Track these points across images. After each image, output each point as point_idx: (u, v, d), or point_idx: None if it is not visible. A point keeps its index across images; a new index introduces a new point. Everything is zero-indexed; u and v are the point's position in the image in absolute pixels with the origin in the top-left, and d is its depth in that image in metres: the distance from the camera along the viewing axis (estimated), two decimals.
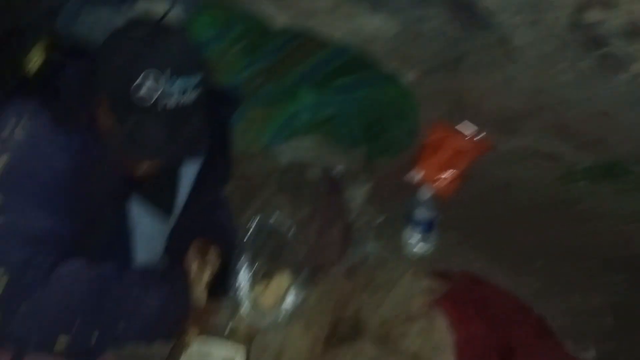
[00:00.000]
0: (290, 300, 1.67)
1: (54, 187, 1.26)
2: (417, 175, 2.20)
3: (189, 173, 1.68)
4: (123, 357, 1.65)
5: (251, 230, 1.72)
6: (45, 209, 1.25)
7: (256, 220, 1.72)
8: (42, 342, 1.25)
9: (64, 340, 1.25)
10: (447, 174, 2.18)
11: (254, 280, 1.70)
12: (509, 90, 2.19)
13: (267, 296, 1.72)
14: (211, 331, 1.69)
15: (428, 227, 1.90)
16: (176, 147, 1.36)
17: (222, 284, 1.67)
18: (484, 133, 2.27)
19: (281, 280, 1.74)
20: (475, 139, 2.27)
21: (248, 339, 1.66)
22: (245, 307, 1.67)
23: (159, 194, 1.63)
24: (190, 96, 1.29)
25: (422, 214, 1.86)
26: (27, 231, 1.23)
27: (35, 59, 1.38)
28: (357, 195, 2.03)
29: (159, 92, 1.24)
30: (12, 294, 1.19)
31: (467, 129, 2.28)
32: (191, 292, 1.46)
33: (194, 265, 1.55)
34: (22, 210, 1.23)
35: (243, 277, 1.67)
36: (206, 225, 1.73)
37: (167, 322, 1.40)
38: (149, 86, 1.24)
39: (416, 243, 1.96)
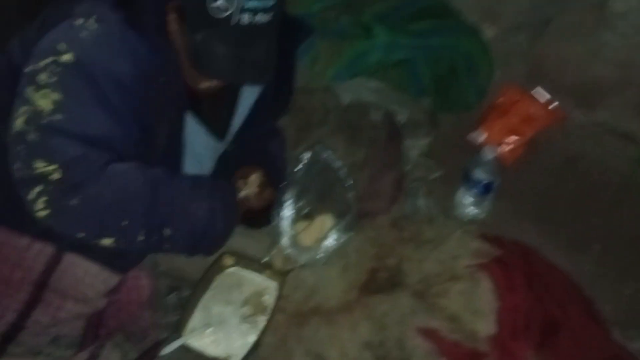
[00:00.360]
0: (330, 242, 1.63)
1: (116, 90, 1.25)
2: (480, 135, 2.11)
3: (248, 98, 1.66)
4: (157, 274, 1.67)
5: (302, 166, 1.67)
6: (104, 110, 1.24)
7: (308, 157, 1.67)
8: (87, 238, 1.27)
9: (109, 240, 1.27)
10: (512, 140, 2.09)
11: (297, 217, 1.67)
12: (596, 61, 2.08)
13: (307, 235, 1.69)
14: (247, 260, 1.68)
15: (484, 191, 1.82)
16: (242, 69, 1.35)
17: (265, 214, 1.65)
18: (559, 103, 2.17)
19: (323, 221, 1.70)
20: (548, 107, 2.16)
21: (283, 274, 1.65)
22: (284, 242, 1.64)
23: (216, 114, 1.62)
24: (264, 17, 1.26)
25: (480, 175, 1.78)
26: (84, 130, 1.22)
27: None
28: (416, 146, 1.96)
29: (234, 7, 1.22)
30: (63, 189, 1.20)
31: (541, 96, 2.18)
32: (238, 209, 1.45)
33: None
34: (81, 109, 1.23)
35: (287, 211, 1.63)
36: (257, 153, 1.72)
37: (210, 235, 1.40)
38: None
39: (469, 205, 1.89)
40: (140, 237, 1.29)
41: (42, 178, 1.18)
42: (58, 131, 1.19)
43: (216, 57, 1.31)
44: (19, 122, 1.20)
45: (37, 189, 1.18)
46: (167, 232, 1.32)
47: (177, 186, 1.34)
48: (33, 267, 1.35)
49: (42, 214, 1.20)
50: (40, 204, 1.19)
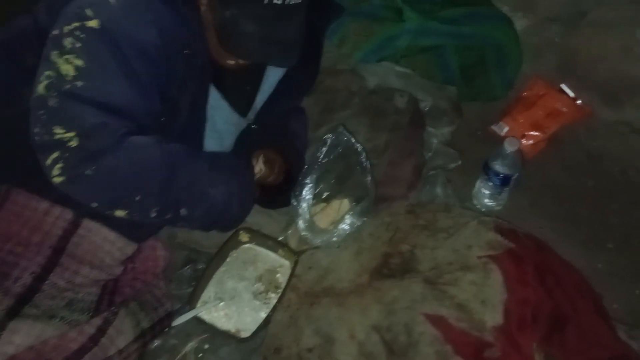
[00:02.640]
0: (346, 225, 1.64)
1: (140, 59, 1.25)
2: (503, 127, 2.10)
3: (273, 76, 1.67)
4: (173, 246, 1.69)
5: (323, 147, 1.67)
6: (127, 79, 1.24)
7: (330, 139, 1.67)
8: (100, 208, 1.28)
9: (122, 212, 1.28)
10: (535, 134, 2.07)
11: (315, 199, 1.68)
12: (628, 58, 2.05)
13: (323, 217, 1.71)
14: (263, 238, 1.70)
15: (502, 183, 1.81)
16: (269, 50, 1.36)
17: (284, 194, 1.66)
18: (586, 99, 2.14)
19: (340, 204, 1.71)
20: (574, 103, 2.14)
21: (297, 253, 1.66)
22: (300, 223, 1.65)
23: (240, 90, 1.63)
24: None
25: (500, 168, 1.76)
26: (105, 99, 1.23)
27: None
28: (438, 134, 1.95)
29: None
30: (80, 157, 1.21)
31: (569, 91, 2.15)
32: (255, 189, 1.47)
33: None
34: (104, 77, 1.23)
35: (306, 193, 1.64)
36: (279, 133, 1.72)
37: (227, 216, 1.42)
38: None
39: (486, 196, 1.88)
40: (153, 214, 1.30)
41: (60, 144, 1.19)
42: (79, 98, 1.20)
43: (244, 37, 1.31)
44: (41, 87, 1.20)
45: (54, 155, 1.19)
46: (184, 211, 1.33)
47: (196, 168, 1.35)
48: (51, 231, 1.36)
49: (58, 180, 1.21)
50: (56, 170, 1.20)
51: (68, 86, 1.19)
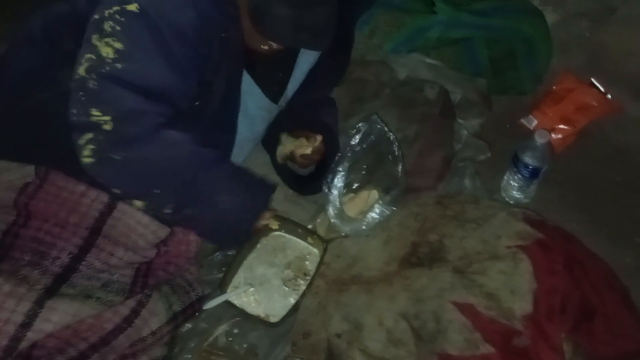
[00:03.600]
0: (374, 215, 1.66)
1: (179, 42, 1.27)
2: (532, 121, 2.10)
3: (305, 64, 1.69)
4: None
5: (356, 135, 1.69)
6: (166, 62, 1.27)
7: (363, 127, 1.68)
8: (122, 195, 1.34)
9: (141, 203, 1.33)
10: (564, 128, 2.07)
11: (345, 188, 1.69)
12: None
13: (352, 206, 1.72)
14: (293, 225, 1.72)
15: (531, 176, 1.81)
16: (300, 33, 1.37)
17: (316, 180, 1.68)
18: (615, 94, 2.13)
19: (369, 194, 1.72)
20: (604, 98, 2.13)
21: (325, 241, 1.68)
22: (331, 210, 1.67)
23: (272, 76, 1.65)
24: None
25: (529, 160, 1.77)
26: (144, 82, 1.25)
27: None
28: (468, 126, 1.96)
29: None
30: (112, 142, 1.24)
31: (598, 85, 2.15)
32: (262, 217, 1.50)
33: (288, 145, 1.60)
34: (144, 60, 1.26)
35: (337, 180, 1.66)
36: (309, 121, 1.74)
37: (236, 230, 1.44)
38: None
39: (514, 189, 1.89)
40: (168, 210, 1.34)
41: (95, 126, 1.22)
42: (118, 81, 1.22)
43: (276, 19, 1.33)
44: (81, 69, 1.23)
45: (88, 136, 1.23)
46: (196, 213, 1.37)
47: (219, 175, 1.37)
48: (88, 213, 1.40)
49: (87, 160, 1.25)
50: (87, 150, 1.23)
51: (108, 68, 1.22)
